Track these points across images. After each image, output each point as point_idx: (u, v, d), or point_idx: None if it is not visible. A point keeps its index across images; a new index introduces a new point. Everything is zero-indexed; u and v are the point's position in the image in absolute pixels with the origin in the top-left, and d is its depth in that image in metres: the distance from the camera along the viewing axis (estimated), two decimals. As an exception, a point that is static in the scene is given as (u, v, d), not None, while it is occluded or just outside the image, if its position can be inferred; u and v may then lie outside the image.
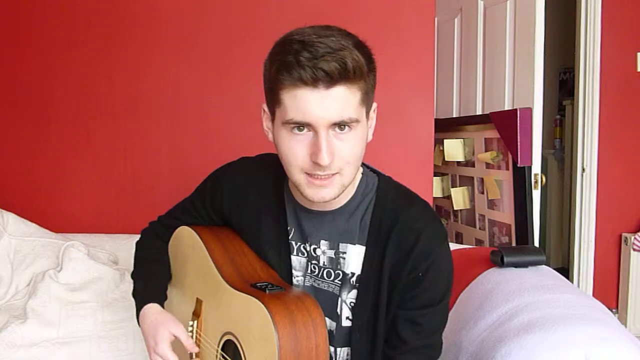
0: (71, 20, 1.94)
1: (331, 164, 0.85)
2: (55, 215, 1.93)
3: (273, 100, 0.87)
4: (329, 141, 0.84)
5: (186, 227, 1.13)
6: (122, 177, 1.96)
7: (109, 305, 1.56)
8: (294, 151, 0.86)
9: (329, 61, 0.79)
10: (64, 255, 1.61)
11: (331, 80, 0.80)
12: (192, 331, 1.08)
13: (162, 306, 1.12)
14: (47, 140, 1.96)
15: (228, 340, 0.97)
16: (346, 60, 0.80)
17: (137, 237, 1.23)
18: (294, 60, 0.80)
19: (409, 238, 0.92)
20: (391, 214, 0.95)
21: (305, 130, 0.84)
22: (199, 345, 1.08)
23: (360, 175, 1.00)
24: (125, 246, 1.71)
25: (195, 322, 1.08)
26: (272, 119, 0.90)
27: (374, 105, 0.93)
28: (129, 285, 1.56)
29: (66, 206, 1.96)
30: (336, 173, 0.87)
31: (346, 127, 0.84)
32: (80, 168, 1.96)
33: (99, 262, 1.63)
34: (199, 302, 1.08)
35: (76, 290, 1.57)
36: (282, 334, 0.83)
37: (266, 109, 0.92)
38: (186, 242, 1.12)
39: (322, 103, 0.81)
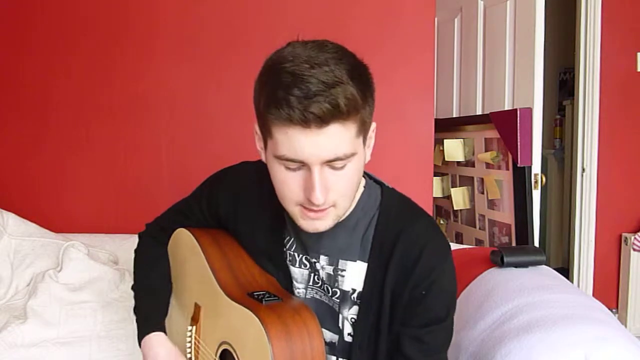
0: (71, 20, 1.94)
1: (326, 199, 0.83)
2: (55, 215, 1.93)
3: (264, 130, 0.83)
4: (323, 178, 0.81)
5: (184, 230, 1.12)
6: (122, 177, 1.96)
7: (109, 305, 1.56)
8: (288, 186, 0.84)
9: (321, 102, 0.75)
10: (64, 255, 1.61)
11: (323, 121, 0.76)
12: (190, 337, 1.07)
13: (165, 331, 1.10)
14: (47, 140, 1.96)
15: (225, 349, 0.96)
16: (338, 100, 0.76)
17: (137, 236, 1.22)
18: (284, 98, 0.76)
19: (411, 254, 0.90)
20: (394, 230, 0.93)
21: (298, 166, 0.81)
22: (197, 352, 1.07)
23: (362, 188, 0.97)
24: (125, 246, 1.71)
25: (194, 327, 1.07)
26: (265, 147, 0.87)
27: (373, 125, 0.89)
28: (129, 285, 1.56)
29: (66, 206, 1.96)
30: (331, 206, 0.85)
31: (339, 162, 0.81)
32: (80, 168, 1.96)
33: (99, 262, 1.63)
34: (197, 307, 1.07)
35: (76, 290, 1.57)
36: (276, 349, 0.82)
37: (258, 131, 0.87)
38: (184, 245, 1.11)
39: (315, 142, 0.78)
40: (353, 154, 0.82)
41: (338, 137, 0.79)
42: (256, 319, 0.84)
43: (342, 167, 0.82)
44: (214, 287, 0.98)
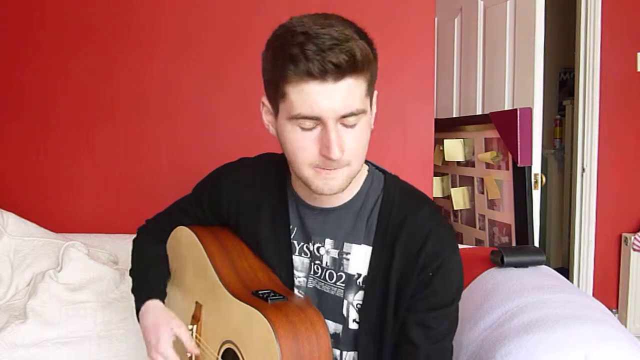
0: (73, 21, 1.94)
1: (341, 156, 0.84)
2: (55, 215, 1.93)
3: (276, 94, 0.84)
4: (339, 134, 0.82)
5: (184, 228, 1.11)
6: (122, 177, 1.96)
7: (109, 305, 1.56)
8: (303, 147, 0.84)
9: (338, 53, 0.77)
10: (64, 255, 1.61)
11: (340, 72, 0.78)
12: (191, 335, 1.07)
13: (163, 302, 1.11)
14: (47, 140, 1.96)
15: (228, 349, 0.96)
16: (354, 51, 0.78)
17: (137, 231, 1.23)
18: (300, 52, 0.78)
19: (418, 239, 0.91)
20: (399, 214, 0.94)
21: (313, 124, 0.83)
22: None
23: (366, 173, 0.98)
24: (125, 246, 1.70)
25: (195, 326, 1.06)
26: (275, 114, 0.88)
27: (375, 92, 0.91)
28: (129, 285, 1.56)
29: (66, 206, 1.96)
30: (345, 165, 0.86)
31: (353, 118, 0.83)
32: (80, 168, 1.96)
33: (99, 262, 1.63)
34: (198, 305, 1.07)
35: (76, 290, 1.57)
36: (284, 348, 0.82)
37: (266, 102, 0.89)
38: (185, 243, 1.11)
39: (331, 96, 0.80)
40: (364, 111, 0.84)
41: (352, 91, 0.81)
42: (264, 318, 0.84)
43: (354, 125, 0.84)
44: (217, 285, 0.98)
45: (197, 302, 1.08)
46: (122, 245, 1.73)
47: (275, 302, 0.89)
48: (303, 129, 0.83)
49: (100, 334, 1.52)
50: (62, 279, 1.57)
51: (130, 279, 1.18)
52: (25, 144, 1.96)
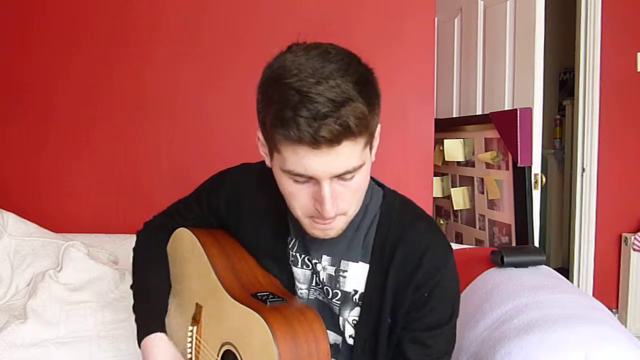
0: (73, 22, 1.95)
1: (336, 210, 0.83)
2: (56, 215, 1.93)
3: (270, 143, 0.82)
4: (333, 190, 0.81)
5: (185, 229, 1.11)
6: (122, 177, 1.96)
7: (109, 305, 1.56)
8: (297, 199, 0.84)
9: (331, 125, 0.73)
10: (64, 255, 1.61)
11: (334, 142, 0.75)
12: (191, 337, 1.07)
13: (166, 332, 1.09)
14: (47, 140, 1.96)
15: (228, 350, 0.96)
16: (349, 122, 0.74)
17: (135, 235, 1.21)
18: (292, 119, 0.74)
19: (413, 256, 0.90)
20: (396, 231, 0.93)
21: (306, 179, 0.81)
22: (197, 352, 1.07)
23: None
24: (125, 246, 1.71)
25: (195, 327, 1.06)
26: (270, 156, 0.85)
27: (378, 127, 0.87)
28: (128, 284, 1.56)
29: (66, 206, 1.96)
30: (341, 214, 0.86)
31: (349, 174, 0.80)
32: (80, 168, 1.96)
33: (99, 262, 1.63)
34: (198, 307, 1.07)
35: (76, 290, 1.57)
36: (282, 350, 0.81)
37: (261, 138, 0.86)
38: (185, 244, 1.11)
39: (325, 161, 0.77)
40: (361, 165, 0.82)
41: (348, 153, 0.78)
42: (262, 320, 0.84)
43: (350, 179, 0.82)
44: (217, 287, 0.98)
45: (197, 304, 1.08)
46: (122, 245, 1.73)
47: (274, 304, 0.89)
48: (296, 182, 0.82)
49: (100, 334, 1.52)
50: (62, 279, 1.57)
51: (129, 279, 1.18)
52: (25, 144, 1.96)
